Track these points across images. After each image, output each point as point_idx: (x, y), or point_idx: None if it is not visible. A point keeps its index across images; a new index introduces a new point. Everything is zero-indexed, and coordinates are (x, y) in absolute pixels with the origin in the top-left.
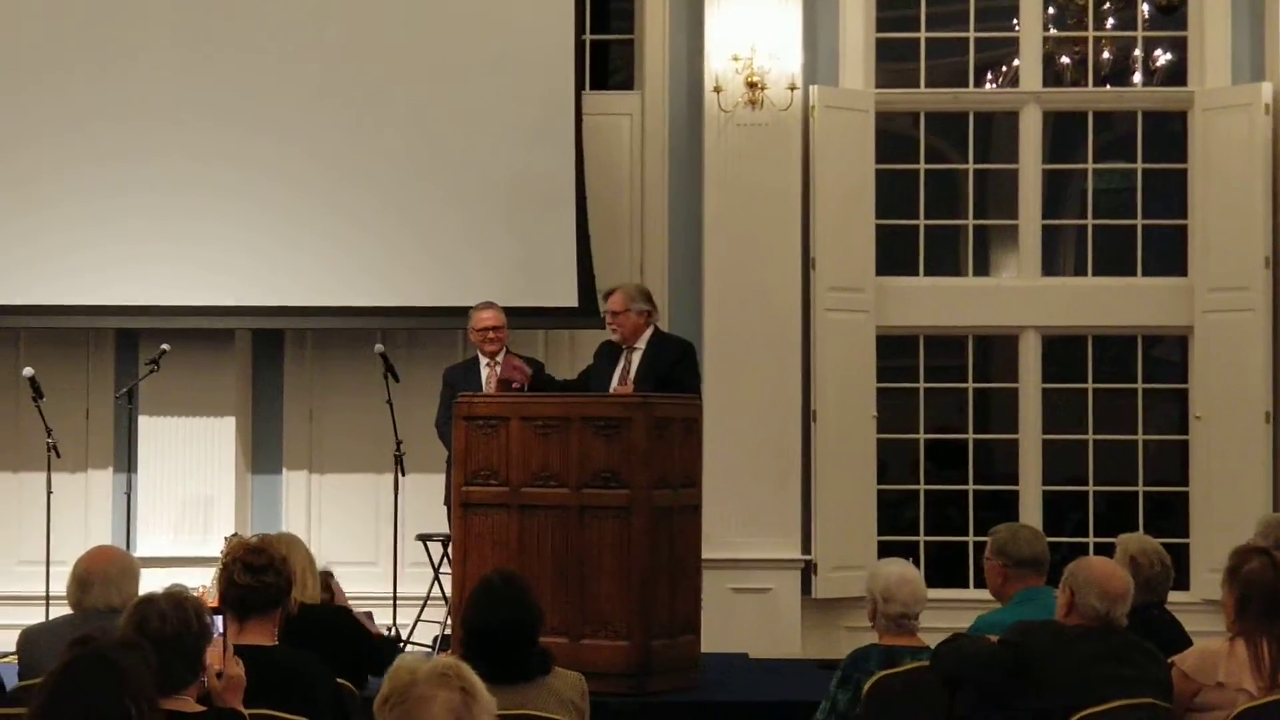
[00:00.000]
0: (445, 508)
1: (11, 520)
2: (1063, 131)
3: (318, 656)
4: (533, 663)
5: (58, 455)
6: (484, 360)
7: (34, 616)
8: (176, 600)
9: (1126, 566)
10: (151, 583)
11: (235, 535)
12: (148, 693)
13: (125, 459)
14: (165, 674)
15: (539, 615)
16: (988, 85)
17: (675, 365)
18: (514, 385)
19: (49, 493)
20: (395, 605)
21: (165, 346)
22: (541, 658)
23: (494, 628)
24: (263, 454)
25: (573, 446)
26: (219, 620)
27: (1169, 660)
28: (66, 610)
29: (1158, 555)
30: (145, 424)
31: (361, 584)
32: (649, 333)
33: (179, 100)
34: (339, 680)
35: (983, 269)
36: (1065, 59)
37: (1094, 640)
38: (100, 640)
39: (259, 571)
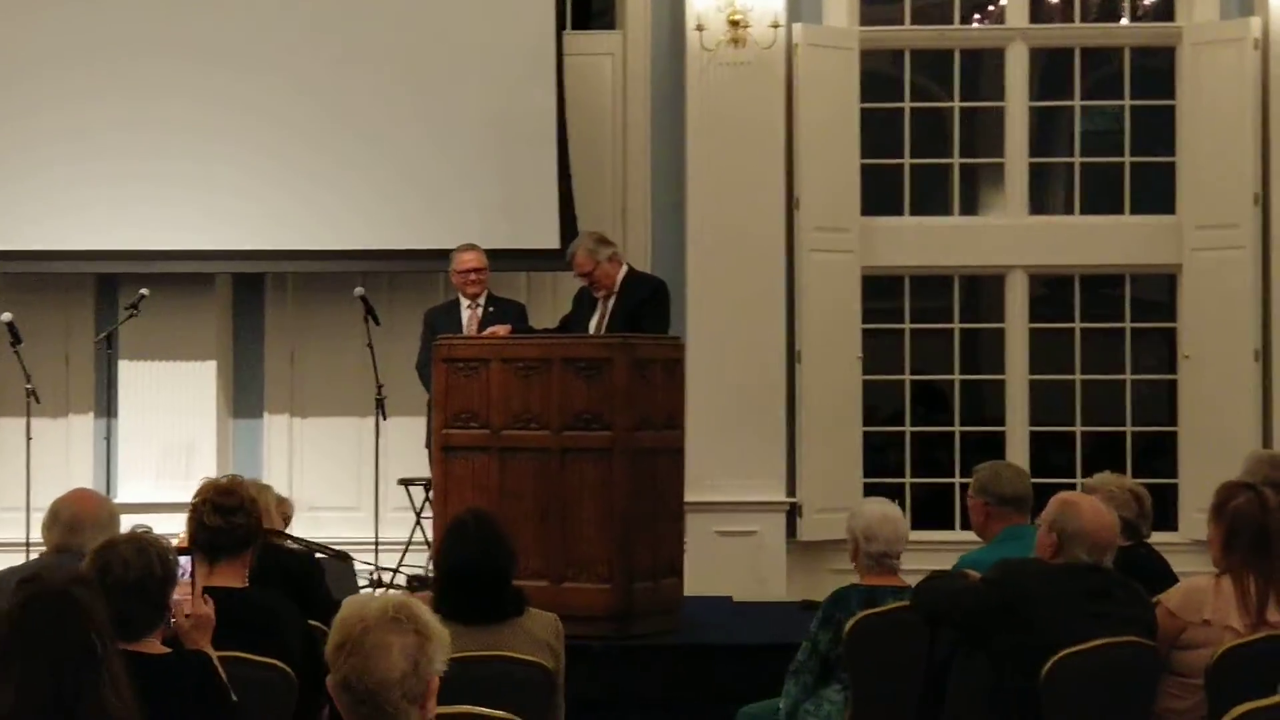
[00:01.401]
0: (427, 451)
1: None
2: (1053, 69)
3: (286, 597)
4: (506, 603)
5: (37, 401)
6: (465, 302)
7: (14, 562)
8: (139, 544)
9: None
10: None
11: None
12: (108, 627)
13: (105, 404)
14: (129, 618)
15: (512, 555)
16: (975, 23)
17: (641, 304)
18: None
19: (28, 439)
20: (377, 550)
21: (144, 291)
22: (515, 598)
23: (466, 568)
24: (244, 398)
25: (554, 388)
26: (186, 561)
27: (1154, 599)
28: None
29: (1133, 494)
30: (125, 369)
31: (343, 529)
32: (622, 273)
33: (159, 40)
34: (310, 621)
35: (970, 208)
36: None
37: (1077, 578)
38: (52, 578)
39: (229, 513)
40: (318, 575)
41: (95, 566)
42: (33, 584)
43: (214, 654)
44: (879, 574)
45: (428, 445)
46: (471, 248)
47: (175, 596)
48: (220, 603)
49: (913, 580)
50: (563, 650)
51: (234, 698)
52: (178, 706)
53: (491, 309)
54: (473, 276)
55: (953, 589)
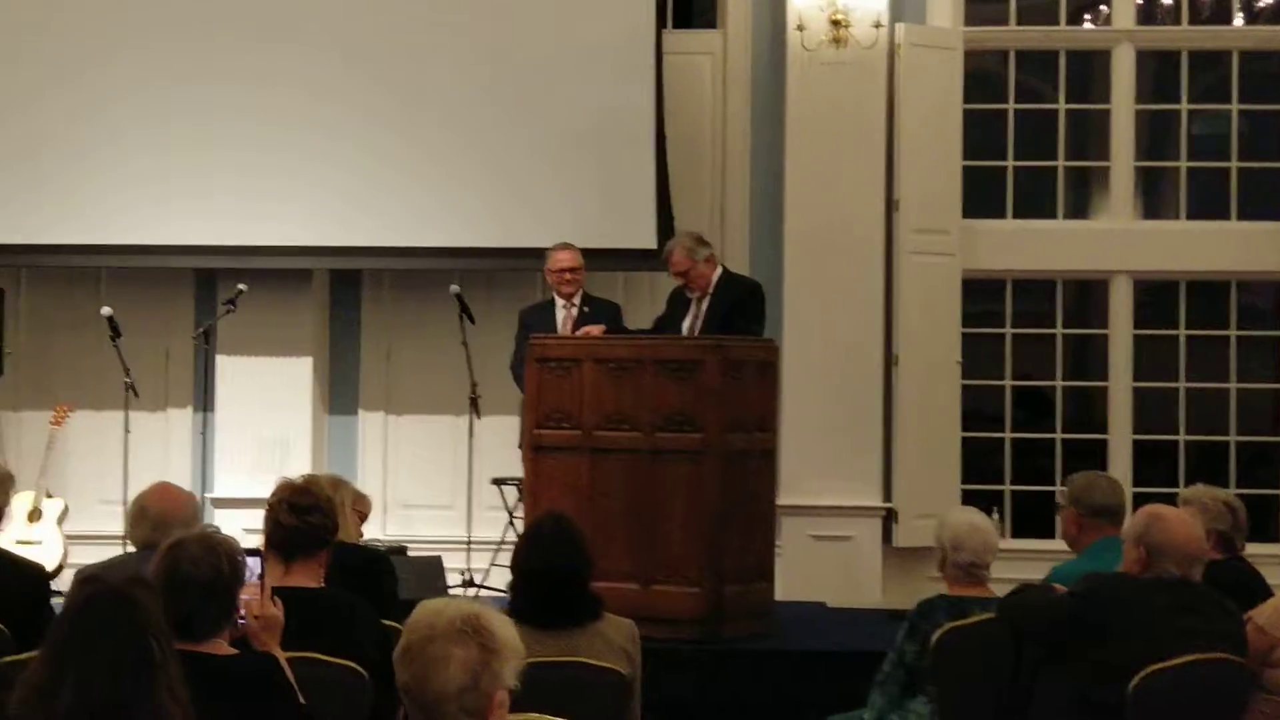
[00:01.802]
0: (520, 451)
1: (91, 459)
2: (1165, 72)
3: (364, 598)
4: (582, 608)
5: (135, 395)
6: (560, 302)
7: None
8: (208, 543)
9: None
10: (228, 522)
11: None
12: (166, 630)
13: (203, 399)
14: (196, 618)
15: (589, 560)
16: (1085, 25)
17: (735, 306)
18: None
19: (126, 432)
20: (469, 549)
21: (242, 286)
22: (592, 603)
23: (543, 571)
24: (339, 394)
25: (645, 389)
26: (255, 562)
27: (1246, 614)
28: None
29: (1227, 506)
30: (223, 363)
31: (436, 527)
32: (717, 274)
33: (258, 35)
34: (385, 622)
35: (1076, 212)
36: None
37: (1165, 593)
38: (110, 578)
39: (304, 512)
40: (386, 572)
41: (164, 565)
42: (92, 583)
43: (282, 655)
44: (967, 584)
45: (521, 445)
46: (567, 247)
47: (244, 597)
48: (295, 603)
49: (1003, 591)
50: (639, 656)
51: (302, 699)
52: (243, 708)
53: (586, 309)
54: (567, 276)
55: (1039, 603)
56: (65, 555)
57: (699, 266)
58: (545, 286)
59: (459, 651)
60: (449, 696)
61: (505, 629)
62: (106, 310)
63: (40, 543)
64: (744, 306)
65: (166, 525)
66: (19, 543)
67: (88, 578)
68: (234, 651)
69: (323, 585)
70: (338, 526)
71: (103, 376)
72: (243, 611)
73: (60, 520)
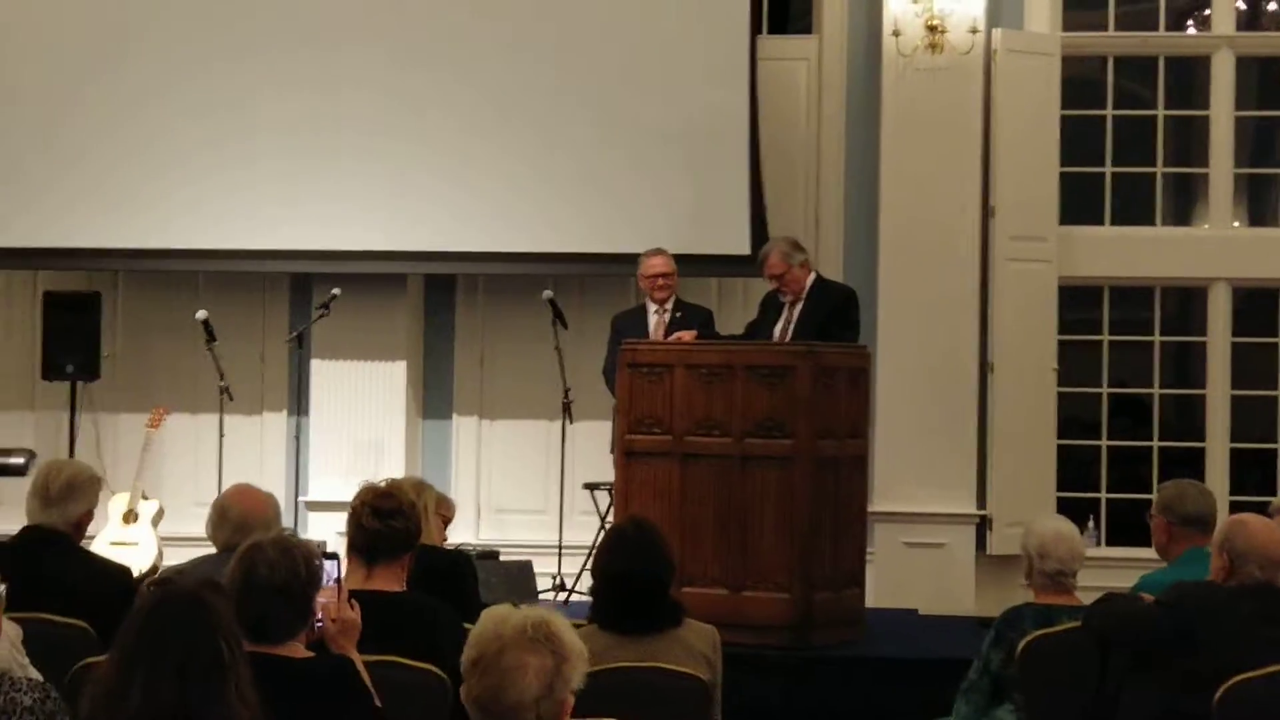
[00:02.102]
0: (612, 456)
1: (188, 462)
2: (1268, 78)
3: (446, 602)
4: (663, 614)
5: (230, 398)
6: (652, 307)
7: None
8: (284, 546)
9: None
10: (321, 525)
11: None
12: (237, 633)
13: (297, 402)
14: (272, 620)
15: (670, 565)
16: (1189, 30)
17: (831, 314)
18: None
19: (221, 435)
20: (560, 554)
21: (336, 291)
22: (673, 609)
23: (624, 576)
24: (433, 399)
25: (736, 395)
26: (332, 566)
27: None
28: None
29: None
30: (317, 367)
31: (529, 532)
32: (811, 280)
33: (354, 40)
34: (467, 626)
35: (1178, 219)
36: (1273, 5)
37: (1252, 601)
38: (182, 581)
39: (387, 516)
40: (469, 575)
41: (240, 568)
42: (163, 587)
43: (359, 659)
44: (1054, 592)
45: (613, 450)
46: (659, 252)
47: (321, 600)
48: (377, 607)
49: (1093, 599)
50: (720, 662)
51: (378, 702)
52: (319, 710)
53: (679, 314)
54: (660, 281)
55: (1125, 611)
56: (160, 557)
57: (794, 270)
58: (638, 292)
59: (533, 660)
60: (526, 706)
61: (570, 633)
62: (202, 314)
63: (136, 544)
64: (840, 314)
65: (248, 527)
66: (114, 544)
67: (158, 580)
68: (310, 654)
69: (405, 589)
70: (420, 530)
71: (198, 380)
72: (319, 615)
73: (155, 522)
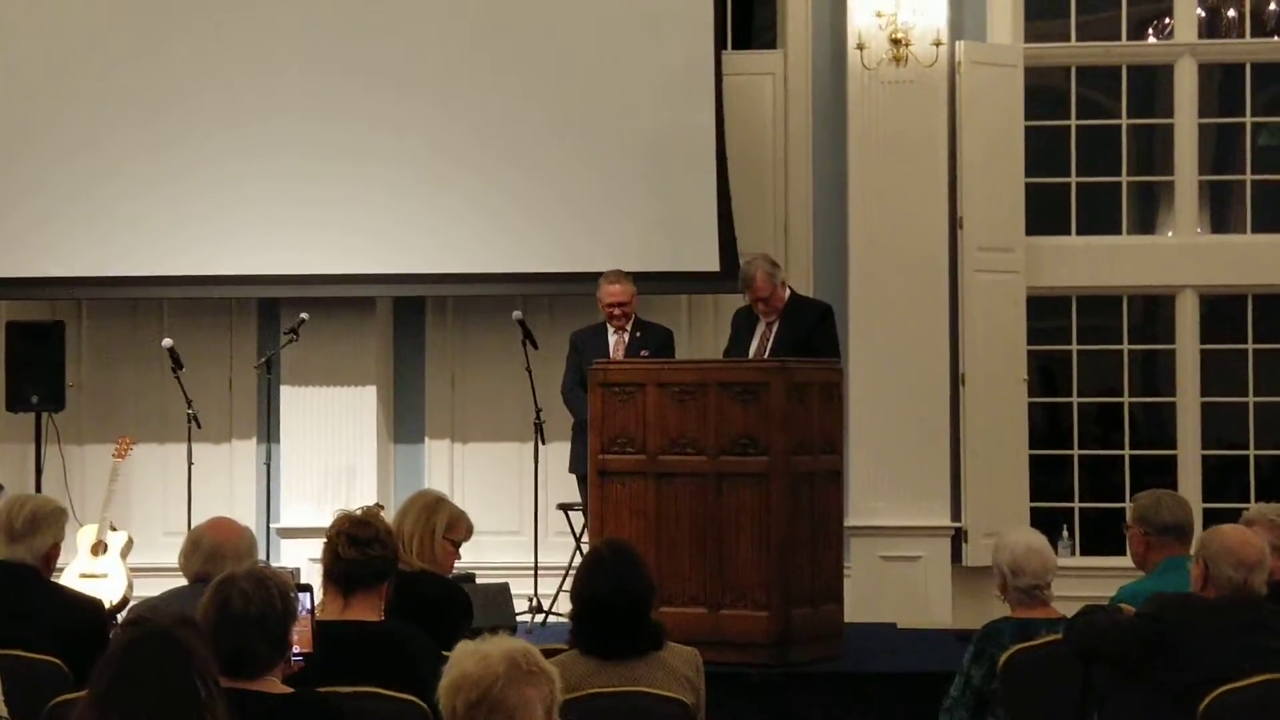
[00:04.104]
0: (572, 476)
1: (156, 492)
2: (1229, 84)
3: (424, 630)
4: (644, 637)
5: (198, 426)
6: (611, 326)
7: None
8: (258, 578)
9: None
10: (294, 553)
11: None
12: (213, 671)
13: (267, 429)
14: (249, 654)
15: (651, 588)
16: (1150, 39)
17: (814, 331)
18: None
19: (190, 464)
20: (536, 575)
21: (304, 315)
22: (654, 632)
23: (603, 601)
24: (405, 423)
25: (710, 413)
26: (306, 598)
27: None
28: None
29: None
30: (287, 394)
31: (504, 554)
32: (787, 296)
33: (317, 65)
34: (446, 654)
35: (1143, 227)
36: (1232, 12)
37: (1232, 611)
38: (156, 618)
39: (364, 544)
40: (458, 603)
41: (214, 601)
42: (137, 625)
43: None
44: (1030, 606)
45: (572, 470)
46: (617, 279)
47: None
48: (356, 637)
49: (1070, 609)
50: (704, 684)
51: None
52: None
53: (638, 334)
54: (617, 310)
55: (1106, 624)
56: (130, 588)
57: (777, 290)
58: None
59: (535, 692)
60: None
61: (545, 660)
62: (168, 342)
63: (105, 576)
64: (823, 332)
65: (219, 557)
66: (83, 576)
67: (132, 619)
68: (287, 690)
69: (383, 618)
70: (398, 557)
71: (165, 409)
72: (296, 649)
73: (125, 553)
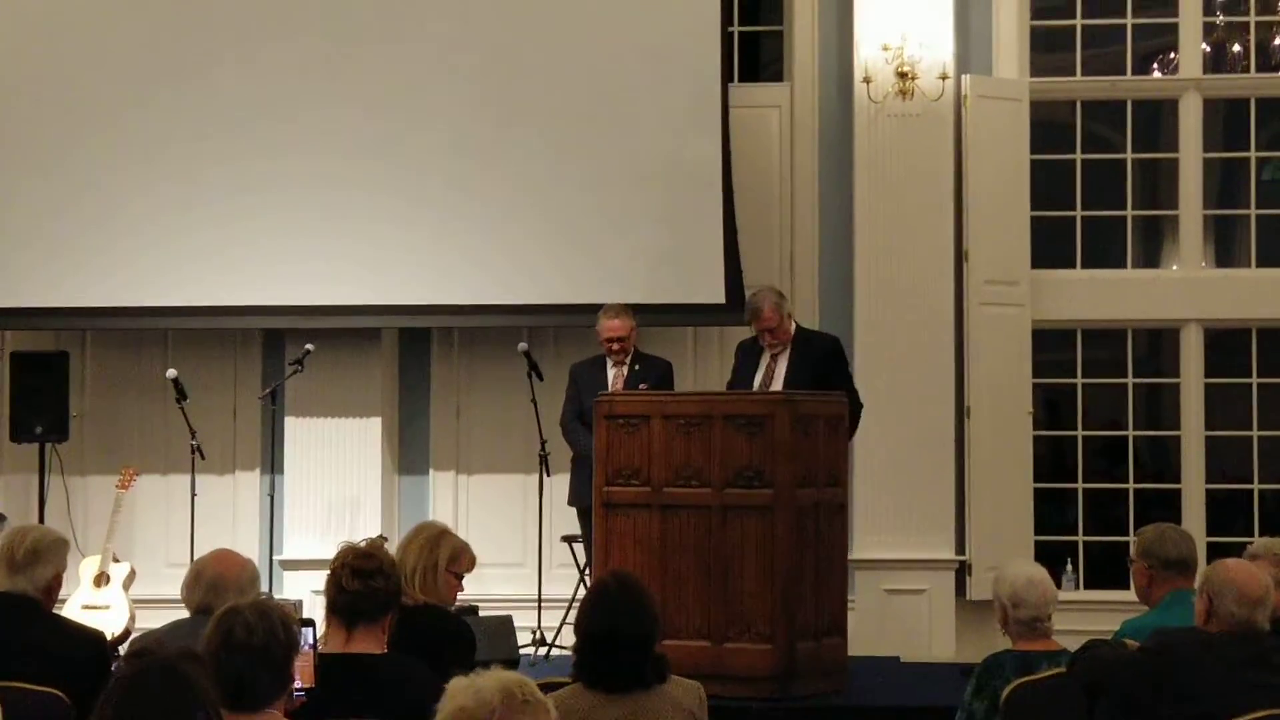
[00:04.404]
0: (572, 508)
1: (159, 522)
2: (1235, 120)
3: (425, 663)
4: (649, 670)
5: (202, 457)
6: (610, 359)
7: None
8: (261, 610)
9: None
10: (298, 585)
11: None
12: (216, 706)
13: (271, 460)
14: (252, 686)
15: (655, 620)
16: (1155, 73)
17: (827, 363)
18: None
19: (193, 495)
20: (540, 607)
21: (309, 347)
22: (658, 665)
23: (607, 634)
24: (410, 454)
25: (715, 445)
26: (309, 631)
27: None
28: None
29: None
30: (291, 425)
31: (508, 586)
32: (794, 329)
33: (321, 96)
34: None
35: (1148, 261)
36: (1237, 47)
37: (1237, 646)
38: (160, 651)
39: (368, 577)
40: (461, 637)
41: (216, 633)
42: (141, 658)
43: None
44: (1031, 639)
45: (571, 503)
46: (616, 314)
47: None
48: (359, 670)
49: (1074, 643)
50: (707, 718)
51: None
52: None
53: (637, 366)
54: (615, 345)
55: (1110, 658)
56: (132, 620)
57: (785, 322)
58: None
59: None
60: None
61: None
62: (172, 373)
63: (107, 607)
64: (837, 367)
65: (221, 589)
66: (85, 607)
67: (136, 652)
68: None
69: (385, 650)
70: (400, 590)
71: (169, 440)
72: (298, 682)
73: (127, 585)
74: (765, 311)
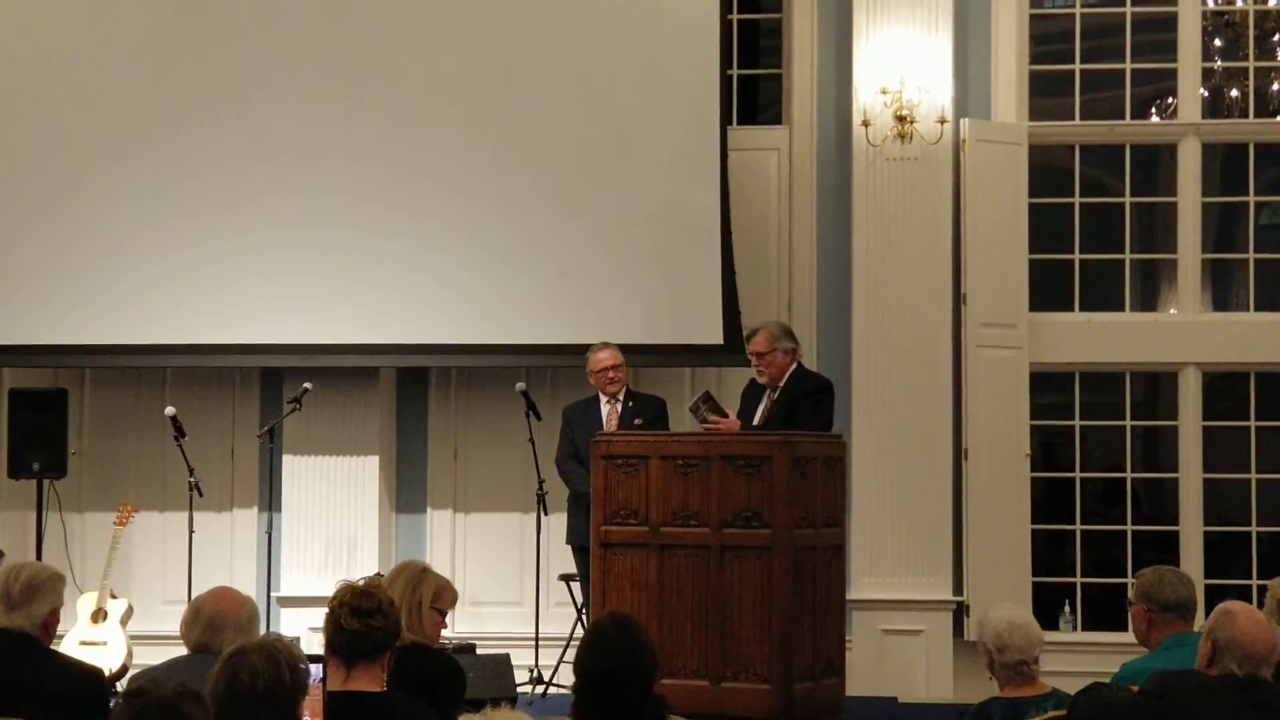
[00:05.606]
0: (569, 548)
1: (156, 560)
2: (1233, 165)
3: (424, 702)
4: (646, 710)
5: (199, 494)
6: (604, 399)
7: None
8: (269, 652)
9: (1275, 614)
10: (294, 622)
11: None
12: None
13: (268, 498)
14: None
15: (654, 661)
16: (1153, 118)
17: (799, 400)
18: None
19: (191, 532)
20: (537, 646)
21: (307, 385)
22: (656, 705)
23: (605, 674)
24: (407, 493)
25: (713, 485)
26: (317, 670)
27: None
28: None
29: None
30: (289, 463)
31: (506, 624)
32: (791, 369)
33: (320, 138)
34: None
35: (1146, 304)
36: (1235, 92)
37: (1237, 691)
38: (159, 690)
39: (367, 615)
40: (453, 675)
41: (223, 675)
42: (140, 696)
43: None
44: (1019, 684)
45: (568, 542)
46: (605, 346)
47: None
48: (358, 709)
49: (1072, 685)
50: None
51: None
52: None
53: (630, 404)
54: (610, 375)
55: (1109, 702)
56: (129, 656)
57: (776, 355)
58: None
59: None
60: None
61: None
62: (170, 410)
63: (105, 644)
64: (812, 402)
65: (220, 627)
66: (83, 644)
67: (135, 690)
68: None
69: (384, 689)
70: (399, 628)
71: (167, 477)
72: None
73: (125, 621)
74: (758, 336)
